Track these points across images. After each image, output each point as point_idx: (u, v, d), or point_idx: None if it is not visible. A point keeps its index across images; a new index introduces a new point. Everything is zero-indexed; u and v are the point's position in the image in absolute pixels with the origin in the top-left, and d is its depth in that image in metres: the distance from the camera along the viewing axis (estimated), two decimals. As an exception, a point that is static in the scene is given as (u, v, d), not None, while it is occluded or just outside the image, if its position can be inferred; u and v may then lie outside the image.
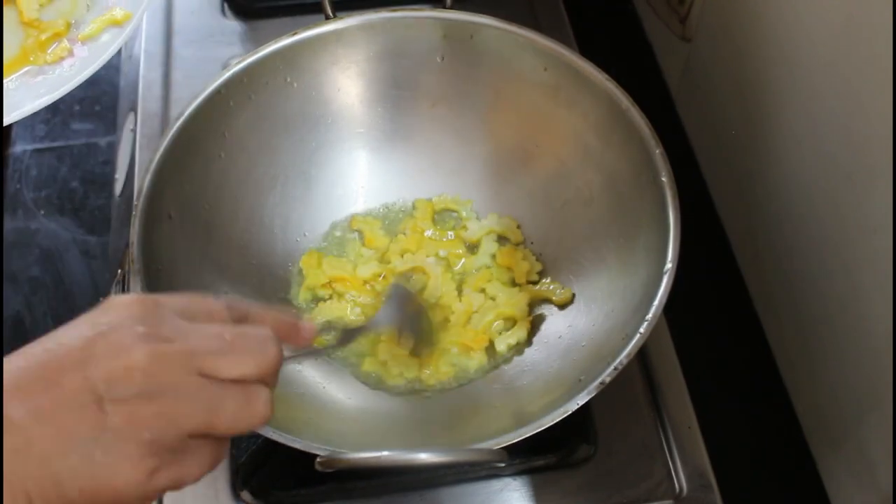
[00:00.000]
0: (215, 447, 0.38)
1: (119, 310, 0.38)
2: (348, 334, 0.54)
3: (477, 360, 0.61)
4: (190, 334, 0.37)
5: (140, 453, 0.35)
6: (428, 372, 0.61)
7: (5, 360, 0.36)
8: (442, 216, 0.68)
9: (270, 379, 0.39)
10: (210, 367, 0.37)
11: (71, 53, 0.65)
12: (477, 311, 0.63)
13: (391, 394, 0.60)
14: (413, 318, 0.61)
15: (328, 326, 0.49)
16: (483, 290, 0.64)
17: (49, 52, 0.65)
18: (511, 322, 0.63)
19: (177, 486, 0.37)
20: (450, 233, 0.67)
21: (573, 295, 0.62)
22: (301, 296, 0.64)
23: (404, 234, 0.67)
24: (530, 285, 0.64)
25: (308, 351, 0.44)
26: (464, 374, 0.61)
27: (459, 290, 0.65)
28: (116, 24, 0.66)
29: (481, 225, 0.67)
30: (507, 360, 0.62)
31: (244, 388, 0.38)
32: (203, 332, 0.38)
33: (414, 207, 0.68)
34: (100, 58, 0.64)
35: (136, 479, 0.35)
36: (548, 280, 0.64)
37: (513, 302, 0.63)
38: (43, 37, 0.65)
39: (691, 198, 0.57)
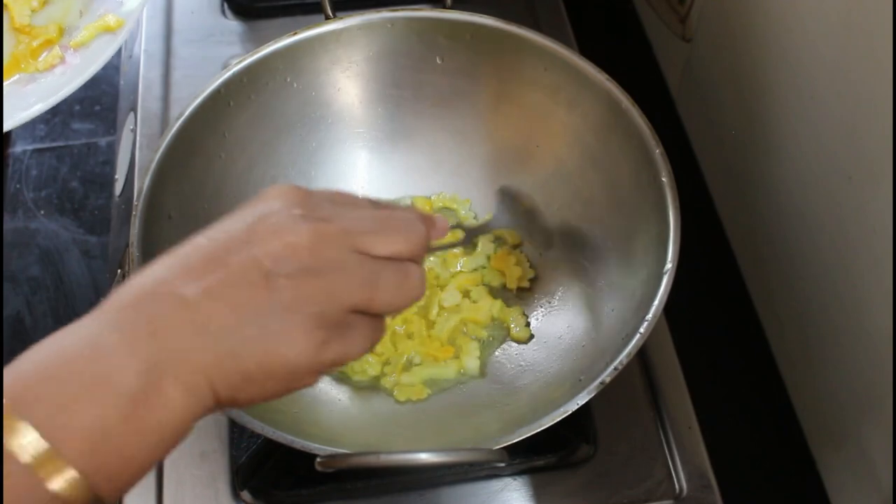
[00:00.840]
0: (374, 324, 0.40)
1: (275, 196, 0.39)
2: (472, 233, 0.57)
3: (453, 367, 0.61)
4: (344, 216, 0.39)
5: (309, 326, 0.36)
6: (396, 391, 0.60)
7: (173, 250, 0.37)
8: (440, 214, 0.68)
9: (420, 258, 0.41)
10: (366, 244, 0.38)
11: (63, 60, 0.64)
12: (447, 309, 0.63)
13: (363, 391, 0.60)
14: (527, 216, 0.62)
15: (455, 225, 0.52)
16: (468, 293, 0.64)
17: (40, 59, 0.64)
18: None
19: (343, 360, 0.38)
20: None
21: (531, 336, 0.62)
22: None
23: None
24: (503, 303, 0.64)
25: (443, 245, 0.49)
26: (442, 383, 0.61)
27: (442, 287, 0.64)
28: (109, 30, 0.65)
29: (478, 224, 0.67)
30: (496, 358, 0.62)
31: (399, 265, 0.39)
32: (355, 213, 0.40)
33: (412, 205, 0.68)
34: (92, 66, 0.63)
35: (308, 349, 0.36)
36: (519, 310, 0.63)
37: (482, 313, 0.63)
38: (35, 43, 0.64)
39: (691, 198, 0.57)
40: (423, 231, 0.41)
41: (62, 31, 0.66)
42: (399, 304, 0.40)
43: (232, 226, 0.38)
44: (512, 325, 0.62)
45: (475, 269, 0.65)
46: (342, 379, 0.60)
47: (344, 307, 0.37)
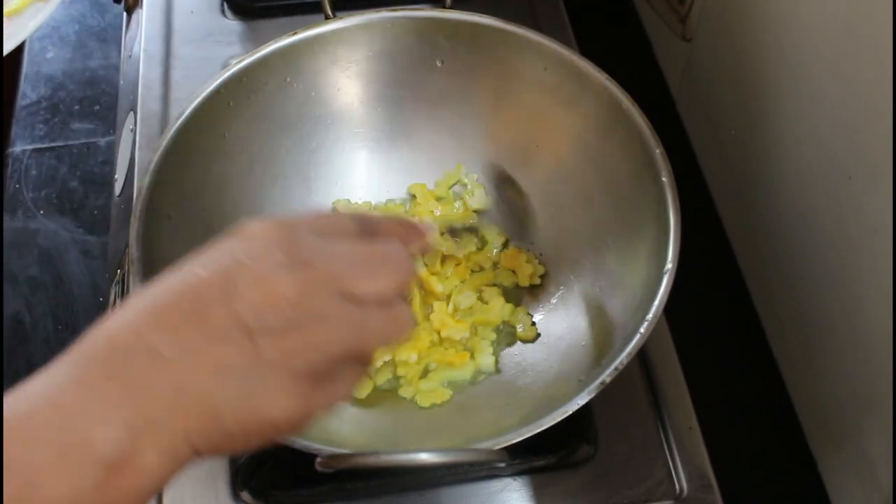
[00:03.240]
0: (360, 366, 0.39)
1: (255, 236, 0.37)
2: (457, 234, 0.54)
3: (469, 366, 0.61)
4: (328, 255, 0.37)
5: (294, 382, 0.35)
6: (418, 397, 0.59)
7: (141, 292, 0.36)
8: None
9: (407, 292, 0.40)
10: (351, 287, 0.37)
11: None
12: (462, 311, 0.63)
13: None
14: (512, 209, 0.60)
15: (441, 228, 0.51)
16: (480, 293, 0.64)
17: None
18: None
19: (329, 409, 0.38)
20: (457, 203, 0.67)
21: (537, 335, 0.62)
22: None
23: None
24: (511, 304, 0.64)
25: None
26: (461, 383, 0.61)
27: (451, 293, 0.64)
28: None
29: (485, 197, 0.67)
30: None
31: (386, 306, 0.38)
32: (339, 251, 0.38)
33: (412, 196, 0.68)
34: (22, 32, 0.63)
35: (293, 406, 0.35)
36: (524, 310, 0.64)
37: (493, 314, 0.63)
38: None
39: (691, 198, 0.57)
40: (409, 265, 0.40)
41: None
42: (389, 343, 0.38)
43: (208, 269, 0.36)
44: (518, 326, 0.63)
45: (485, 269, 0.65)
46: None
47: (331, 358, 0.36)
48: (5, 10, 0.65)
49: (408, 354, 0.60)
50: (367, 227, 0.41)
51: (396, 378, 0.60)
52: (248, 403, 0.34)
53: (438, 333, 0.62)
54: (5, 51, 0.62)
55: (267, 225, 0.37)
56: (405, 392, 0.60)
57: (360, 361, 0.39)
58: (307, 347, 0.35)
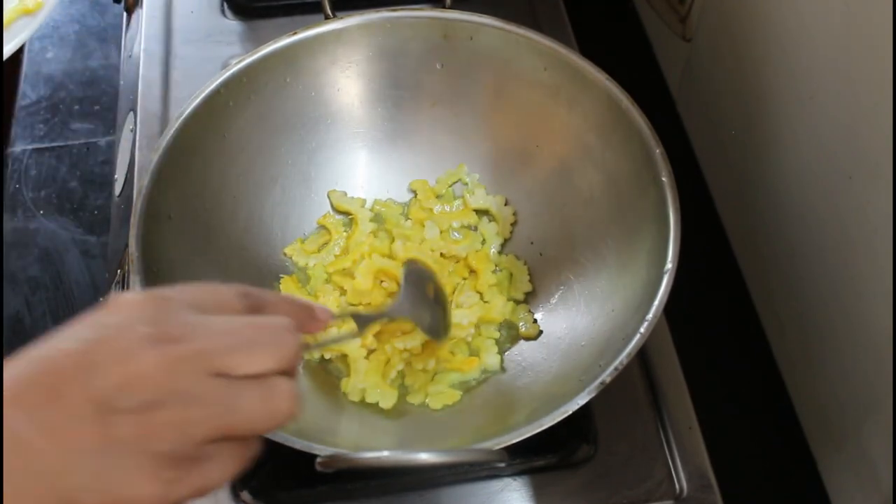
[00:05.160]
0: (240, 449, 0.36)
1: (123, 309, 0.35)
2: (363, 321, 0.49)
3: (476, 368, 0.61)
4: (201, 330, 0.35)
5: (154, 465, 0.33)
6: (430, 400, 0.59)
7: (5, 365, 0.34)
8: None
9: (291, 370, 0.37)
10: (223, 364, 0.35)
11: None
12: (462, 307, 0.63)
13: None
14: (430, 304, 0.57)
15: (345, 313, 0.47)
16: (480, 295, 0.64)
17: None
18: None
19: (200, 493, 0.35)
20: (457, 202, 0.67)
21: (539, 332, 0.62)
22: None
23: (407, 217, 0.67)
24: (513, 302, 0.64)
25: (326, 340, 0.42)
26: (468, 383, 0.61)
27: (454, 290, 0.64)
28: (28, 13, 0.66)
29: (486, 197, 0.67)
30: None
31: (262, 384, 0.35)
32: (215, 326, 0.36)
33: (413, 191, 0.69)
34: (9, 44, 0.63)
35: (153, 491, 0.33)
36: (525, 307, 0.63)
37: (496, 311, 0.63)
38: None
39: (691, 198, 0.57)
40: (293, 341, 0.37)
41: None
42: (264, 426, 0.36)
43: (71, 343, 0.34)
44: (520, 324, 0.63)
45: (485, 269, 0.65)
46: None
47: (196, 440, 0.34)
48: None
49: (424, 363, 0.60)
50: (255, 303, 0.39)
51: (404, 385, 0.60)
52: (105, 486, 0.33)
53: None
54: None
55: (139, 297, 0.36)
56: (413, 399, 0.59)
57: (237, 443, 0.36)
58: (167, 428, 0.33)
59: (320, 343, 0.41)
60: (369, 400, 0.58)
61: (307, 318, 0.42)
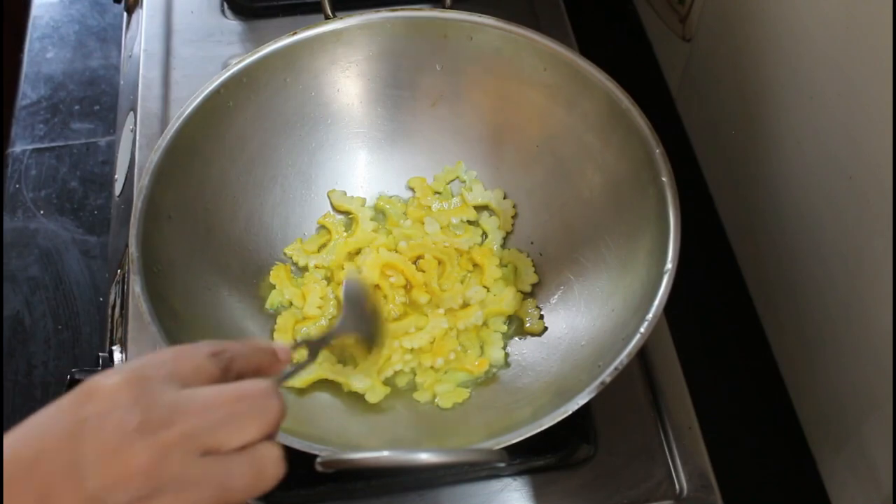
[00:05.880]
0: None
1: (103, 397, 0.34)
2: (314, 347, 0.50)
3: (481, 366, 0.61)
4: (184, 409, 0.35)
5: None
6: (439, 400, 0.59)
7: None
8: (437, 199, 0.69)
9: (274, 433, 0.38)
10: (212, 442, 0.35)
11: None
12: (472, 304, 0.63)
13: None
14: (369, 318, 0.57)
15: (298, 343, 0.48)
16: (487, 289, 0.64)
17: None
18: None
19: None
20: (455, 199, 0.68)
21: (545, 328, 0.62)
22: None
23: (405, 215, 0.67)
24: (521, 294, 0.64)
25: (289, 372, 0.44)
26: (476, 380, 0.61)
27: (462, 281, 0.64)
28: None
29: (484, 192, 0.67)
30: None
31: (250, 455, 0.36)
32: (197, 401, 0.36)
33: (411, 189, 0.69)
34: None
35: None
36: (533, 302, 0.64)
37: (504, 303, 0.63)
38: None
39: (691, 198, 0.57)
40: (276, 406, 0.37)
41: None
42: (254, 494, 0.37)
43: (55, 441, 0.33)
44: (526, 319, 0.63)
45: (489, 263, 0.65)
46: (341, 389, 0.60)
47: None
48: None
49: (433, 360, 0.60)
50: (227, 360, 0.39)
51: (414, 382, 0.60)
52: None
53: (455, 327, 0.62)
54: None
55: (118, 383, 0.35)
56: (420, 396, 0.59)
57: None
58: None
59: (282, 377, 0.43)
60: (355, 388, 0.59)
61: (272, 361, 0.42)
